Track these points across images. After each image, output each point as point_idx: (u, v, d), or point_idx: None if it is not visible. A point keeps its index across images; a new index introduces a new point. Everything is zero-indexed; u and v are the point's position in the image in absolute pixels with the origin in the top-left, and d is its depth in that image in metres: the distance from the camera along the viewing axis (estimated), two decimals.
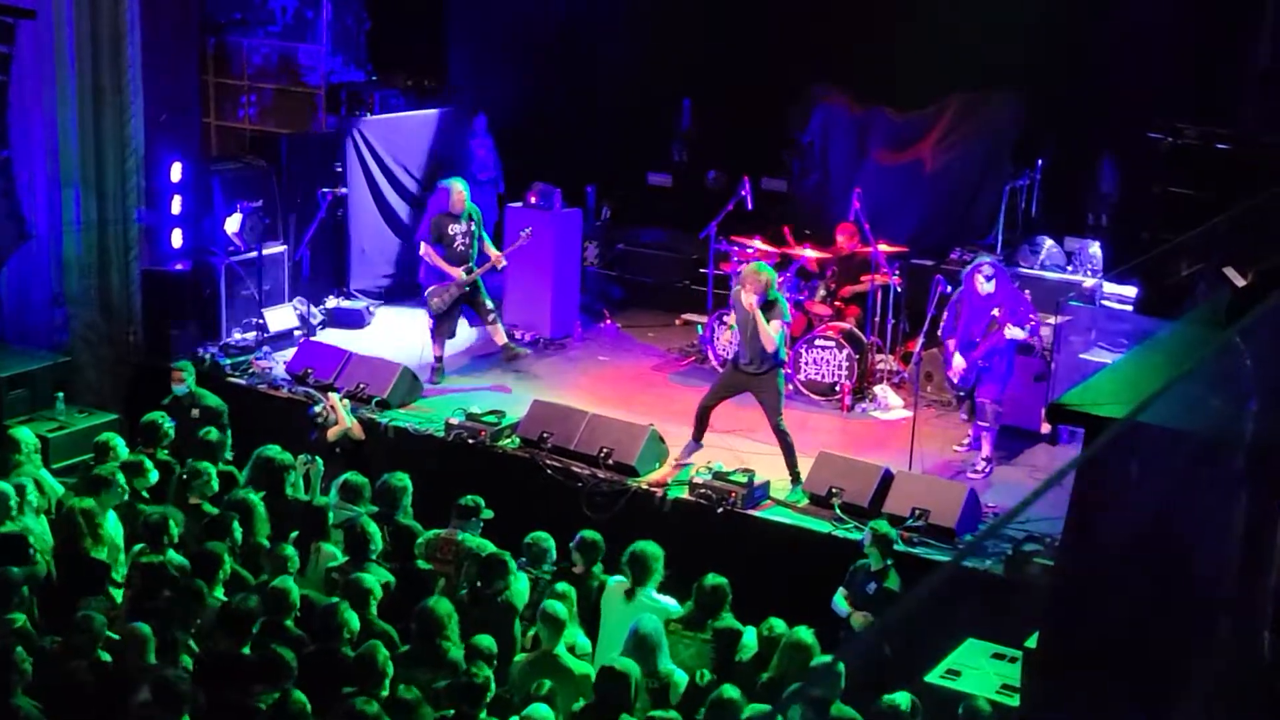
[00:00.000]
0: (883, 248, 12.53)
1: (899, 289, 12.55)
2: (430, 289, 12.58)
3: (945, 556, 9.40)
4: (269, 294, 13.52)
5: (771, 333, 10.14)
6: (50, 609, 8.35)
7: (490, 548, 8.76)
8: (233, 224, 13.27)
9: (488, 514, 9.18)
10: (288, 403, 11.97)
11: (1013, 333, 10.52)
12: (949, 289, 11.19)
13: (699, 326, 13.52)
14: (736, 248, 12.99)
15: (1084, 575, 5.43)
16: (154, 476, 9.65)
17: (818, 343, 12.27)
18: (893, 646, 8.26)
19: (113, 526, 9.06)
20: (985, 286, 10.56)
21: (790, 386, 12.22)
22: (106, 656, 7.49)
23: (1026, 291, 10.91)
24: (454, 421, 11.27)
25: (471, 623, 7.99)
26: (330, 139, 14.38)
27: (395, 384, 11.81)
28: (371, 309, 14.33)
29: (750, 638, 8.10)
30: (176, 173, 13.16)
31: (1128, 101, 12.48)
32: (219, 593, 8.10)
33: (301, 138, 14.32)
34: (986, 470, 10.77)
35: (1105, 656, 5.26)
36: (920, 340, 11.95)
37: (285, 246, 13.84)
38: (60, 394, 12.20)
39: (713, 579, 8.32)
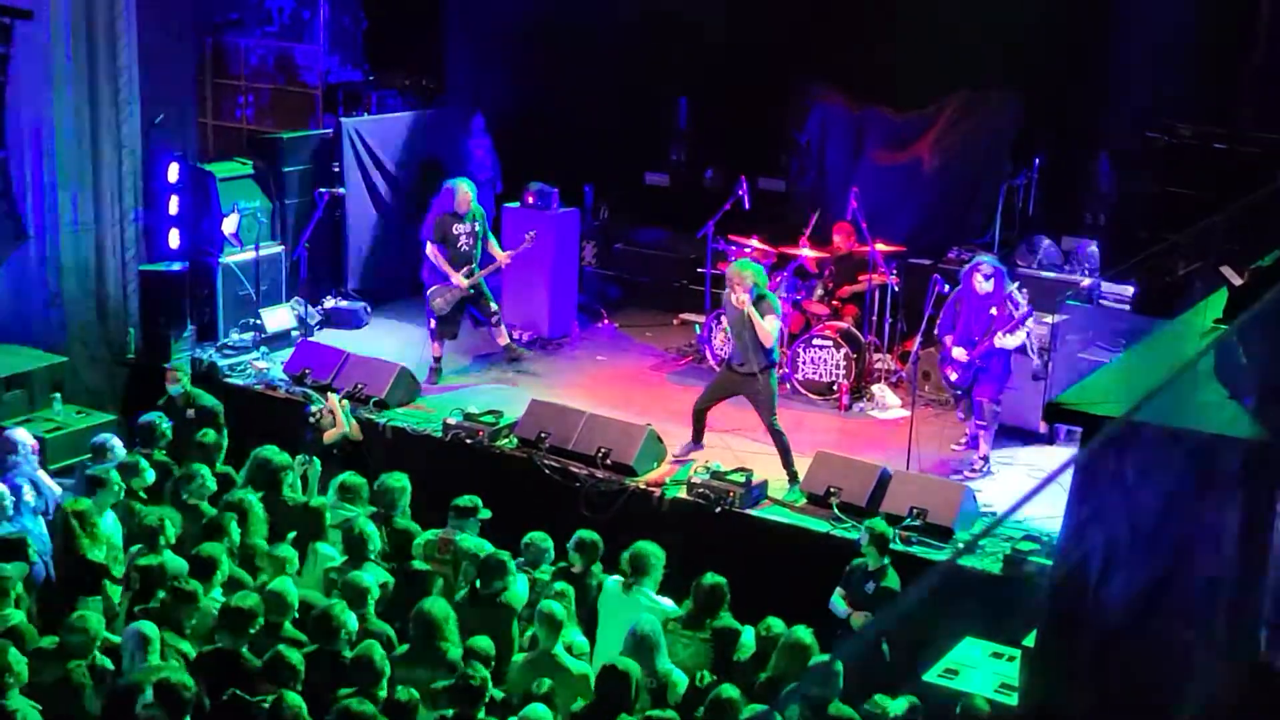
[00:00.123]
0: (880, 247, 12.53)
1: (896, 288, 12.56)
2: (433, 288, 12.57)
3: (943, 555, 9.39)
4: (266, 294, 13.53)
5: (768, 328, 10.15)
6: (49, 610, 8.34)
7: (488, 548, 8.76)
8: (230, 224, 13.27)
9: (485, 514, 9.18)
10: (285, 403, 11.96)
11: (1003, 341, 10.51)
12: (946, 288, 11.19)
13: (697, 326, 13.52)
14: (734, 247, 12.99)
15: (1082, 573, 5.44)
16: (150, 477, 9.64)
17: (815, 342, 12.27)
18: (891, 645, 8.29)
19: (111, 527, 9.06)
20: (984, 286, 10.56)
21: (788, 386, 12.24)
22: (106, 661, 7.49)
23: (1024, 291, 10.90)
24: (452, 422, 11.26)
25: (470, 623, 7.99)
26: (328, 139, 14.38)
27: (393, 384, 11.81)
28: (368, 309, 14.32)
29: (749, 637, 8.10)
30: (173, 173, 13.17)
31: (1125, 101, 12.49)
32: (217, 594, 8.10)
33: (299, 138, 14.31)
34: (984, 469, 10.77)
35: (1103, 654, 5.26)
36: (918, 339, 11.95)
37: (282, 246, 13.85)
38: (57, 394, 12.21)
39: (711, 578, 8.32)
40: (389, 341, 13.59)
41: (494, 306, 12.72)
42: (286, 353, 12.84)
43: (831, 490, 10.02)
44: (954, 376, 10.82)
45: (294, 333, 13.40)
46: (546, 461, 10.82)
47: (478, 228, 12.58)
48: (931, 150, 14.12)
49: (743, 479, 10.16)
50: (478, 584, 8.39)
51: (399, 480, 9.44)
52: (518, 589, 8.43)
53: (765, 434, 10.57)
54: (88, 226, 12.84)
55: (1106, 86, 12.69)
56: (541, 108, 15.40)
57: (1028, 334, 10.67)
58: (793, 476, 10.38)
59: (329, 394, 11.27)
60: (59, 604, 8.37)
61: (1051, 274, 12.59)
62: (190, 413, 10.89)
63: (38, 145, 12.67)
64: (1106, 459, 5.33)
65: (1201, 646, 5.01)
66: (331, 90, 14.87)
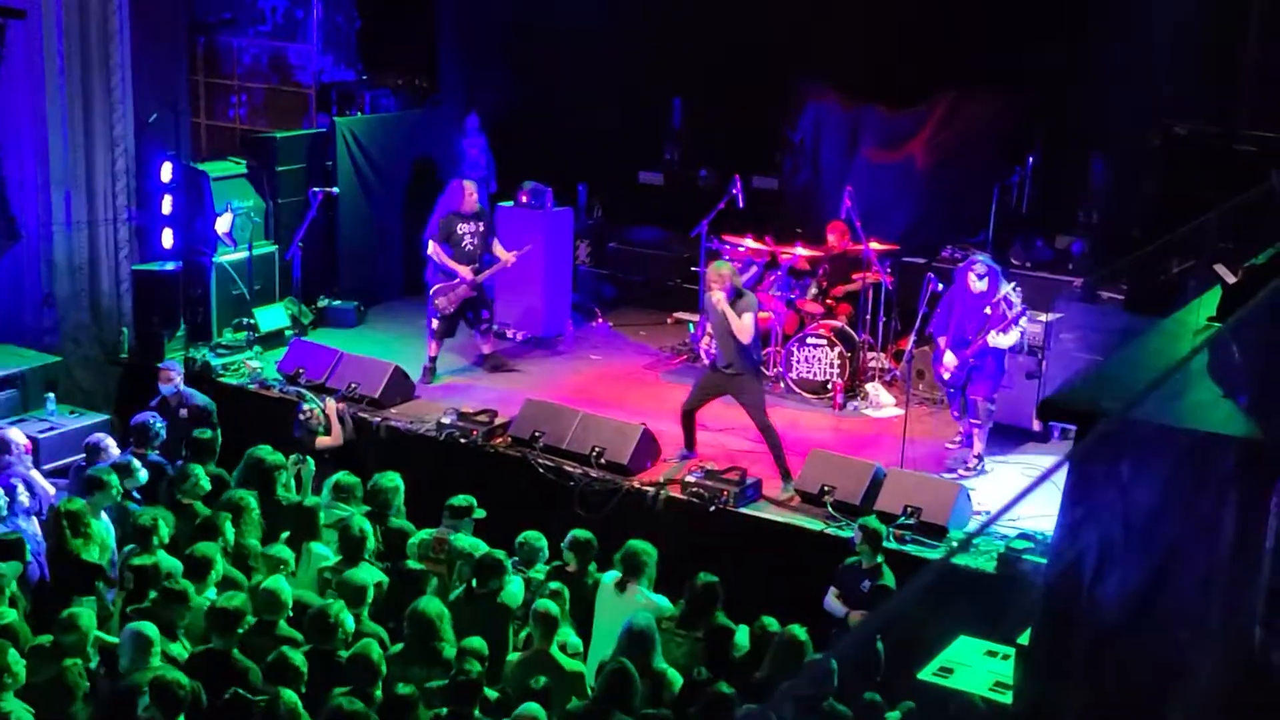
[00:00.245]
0: (874, 246, 12.54)
1: (890, 287, 12.56)
2: (436, 287, 12.57)
3: (937, 554, 9.40)
4: (260, 293, 13.51)
5: (745, 325, 10.14)
6: (42, 611, 8.32)
7: (483, 547, 8.76)
8: (223, 224, 13.26)
9: (480, 513, 9.18)
10: (279, 402, 11.95)
11: (997, 340, 10.51)
12: (940, 287, 11.20)
13: (690, 325, 13.52)
14: (728, 246, 12.99)
15: (1076, 572, 5.43)
16: (144, 477, 9.63)
17: (809, 341, 12.27)
18: (885, 643, 8.28)
19: (104, 528, 9.04)
20: (978, 285, 10.56)
21: (782, 385, 12.25)
22: (94, 663, 7.48)
23: (1019, 291, 10.90)
24: (446, 421, 11.26)
25: (465, 622, 7.98)
26: (321, 138, 14.36)
27: (387, 383, 11.80)
28: (361, 308, 14.31)
29: (743, 636, 8.11)
30: (167, 173, 13.15)
31: (1119, 99, 12.49)
32: (211, 594, 8.09)
33: (292, 137, 14.29)
34: (978, 468, 10.78)
35: (1098, 653, 5.26)
36: (912, 338, 11.95)
37: (276, 246, 13.83)
38: (50, 394, 12.19)
39: (704, 577, 8.33)
40: (382, 341, 13.57)
41: (486, 314, 12.75)
42: (280, 352, 12.83)
43: (825, 489, 10.02)
44: (947, 375, 10.82)
45: (287, 332, 13.39)
46: (540, 461, 10.81)
47: (482, 227, 12.61)
48: (925, 149, 14.12)
49: (736, 478, 10.17)
50: (474, 583, 8.39)
51: (392, 480, 9.43)
52: (513, 589, 8.43)
53: (759, 434, 10.57)
54: (81, 226, 12.83)
55: (1101, 85, 12.68)
56: (535, 107, 15.39)
57: (1021, 333, 10.67)
58: (785, 474, 10.38)
59: (327, 400, 11.22)
60: (53, 604, 8.35)
61: (1045, 272, 12.60)
62: (183, 412, 10.88)
63: (31, 145, 12.66)
64: (1100, 457, 5.32)
65: (1196, 645, 5.01)
66: (325, 90, 14.87)
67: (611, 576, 8.56)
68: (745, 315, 10.17)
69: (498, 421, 11.24)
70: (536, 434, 10.97)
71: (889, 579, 8.72)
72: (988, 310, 10.51)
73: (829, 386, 12.19)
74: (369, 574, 8.32)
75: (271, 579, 8.09)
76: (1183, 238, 9.92)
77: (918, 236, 13.61)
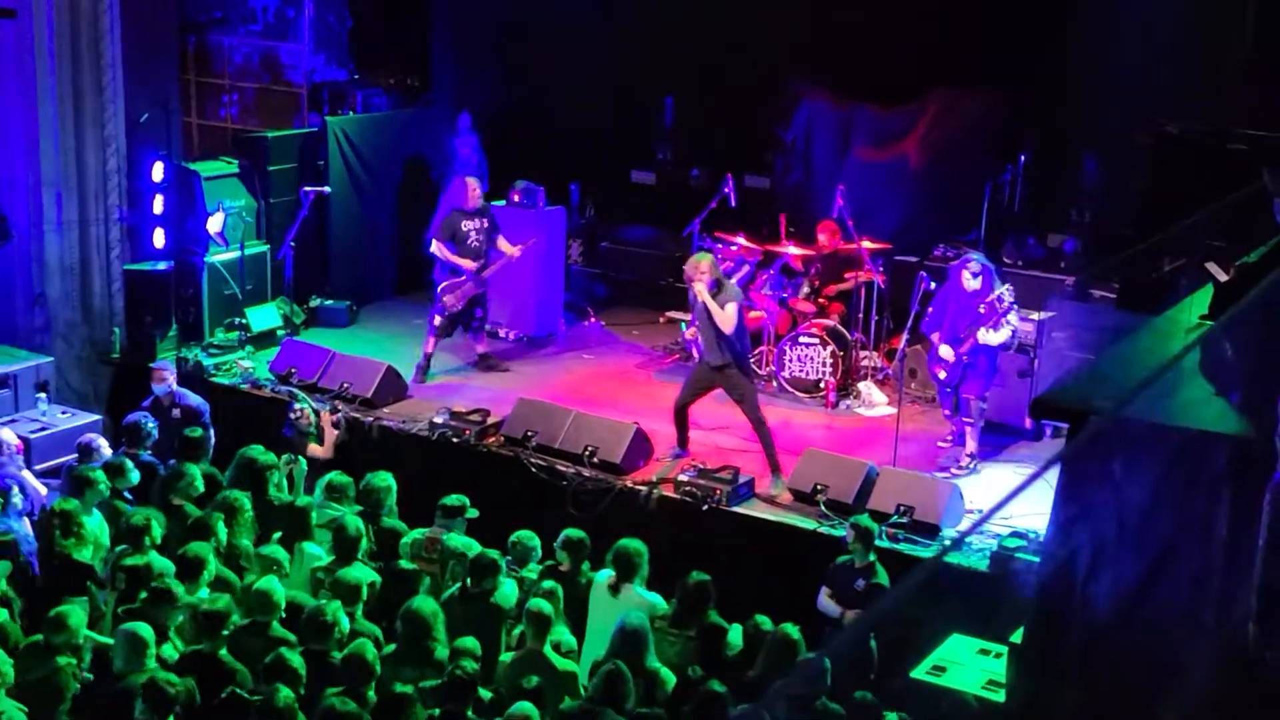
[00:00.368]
0: (866, 244, 12.54)
1: (883, 286, 12.56)
2: (444, 285, 12.57)
3: (930, 553, 9.41)
4: (252, 293, 13.49)
5: (729, 315, 10.13)
6: (34, 611, 8.31)
7: (476, 547, 8.75)
8: (215, 223, 13.24)
9: (473, 513, 9.17)
10: (271, 402, 11.93)
11: (987, 337, 10.52)
12: (932, 285, 11.20)
13: (683, 324, 13.51)
14: (720, 245, 12.99)
15: (1069, 570, 5.44)
16: (136, 478, 9.61)
17: (802, 340, 12.28)
18: (878, 642, 8.29)
19: (97, 528, 9.03)
20: (971, 283, 10.57)
21: (775, 384, 12.25)
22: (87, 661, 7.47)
23: (1009, 288, 10.91)
24: (438, 420, 11.25)
25: (459, 622, 7.98)
26: (313, 138, 14.34)
27: (379, 383, 11.79)
28: (353, 308, 14.30)
29: (736, 635, 8.11)
30: (158, 172, 13.13)
31: (1111, 98, 12.50)
32: (203, 594, 8.07)
33: (284, 137, 14.27)
34: (970, 466, 10.78)
35: (1091, 651, 5.27)
36: (904, 337, 11.97)
37: (268, 245, 13.81)
38: (42, 394, 12.17)
39: (696, 576, 8.32)
40: (375, 340, 13.56)
41: (480, 313, 12.76)
42: (272, 352, 12.82)
43: (818, 487, 10.03)
44: (943, 375, 10.82)
45: (280, 332, 13.37)
46: (533, 460, 10.81)
47: (487, 223, 12.63)
48: (917, 147, 14.13)
49: (729, 477, 10.17)
50: (468, 582, 8.38)
51: (384, 480, 9.42)
52: (507, 589, 8.42)
53: (752, 433, 10.57)
54: (72, 226, 12.80)
55: (1093, 83, 12.69)
56: (527, 106, 15.38)
57: (1013, 331, 10.67)
58: (775, 467, 10.38)
59: (322, 413, 11.16)
60: (45, 605, 8.33)
61: (1037, 271, 12.61)
62: (176, 413, 10.86)
63: (21, 145, 12.63)
64: (1093, 456, 5.33)
65: (1189, 642, 5.02)
66: (316, 89, 14.84)
67: (605, 575, 8.56)
68: (728, 305, 10.16)
69: (490, 421, 11.23)
70: (529, 433, 10.96)
71: (883, 577, 8.72)
72: (981, 309, 10.51)
73: (821, 385, 12.19)
74: (362, 573, 8.31)
75: (264, 579, 8.07)
76: (1174, 236, 9.94)
77: (910, 235, 13.61)
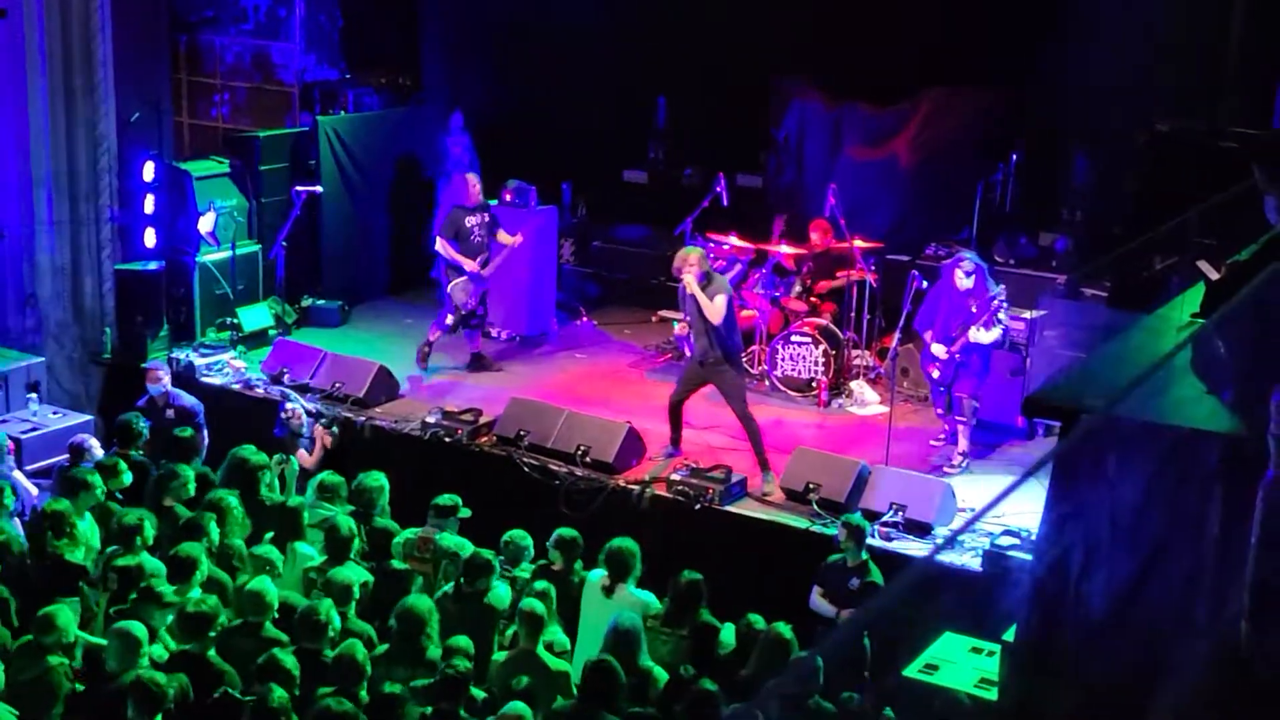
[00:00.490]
0: (858, 243, 12.54)
1: (875, 285, 12.57)
2: (455, 282, 12.55)
3: (922, 551, 9.41)
4: (243, 293, 13.47)
5: (718, 307, 10.13)
6: (26, 613, 8.28)
7: (469, 547, 8.74)
8: (206, 223, 13.21)
9: (465, 513, 9.16)
10: (262, 402, 11.92)
11: (978, 336, 10.53)
12: (924, 284, 11.21)
13: (675, 323, 13.49)
14: (712, 244, 12.99)
15: (1062, 568, 5.44)
16: (128, 478, 9.59)
17: (794, 339, 12.28)
18: (871, 641, 8.29)
19: (88, 528, 9.00)
20: (964, 282, 10.57)
21: (767, 382, 12.25)
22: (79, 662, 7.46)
23: (1002, 287, 10.92)
24: (431, 420, 11.24)
25: (452, 622, 7.97)
26: (304, 137, 14.32)
27: (371, 383, 11.78)
28: (345, 308, 14.28)
29: (728, 634, 8.10)
30: (149, 172, 13.10)
31: (1103, 97, 12.52)
32: (195, 594, 8.05)
33: (275, 136, 14.25)
34: (963, 465, 10.79)
35: (1084, 649, 5.27)
36: (896, 335, 11.96)
37: (259, 245, 13.80)
38: (33, 395, 12.14)
39: (688, 575, 8.32)
40: (367, 340, 13.54)
41: (483, 311, 12.77)
42: (264, 352, 12.80)
43: (811, 486, 10.03)
44: (936, 374, 10.83)
45: (271, 332, 13.35)
46: (526, 459, 10.80)
47: (487, 218, 12.65)
48: (909, 146, 14.13)
49: (722, 476, 10.17)
50: (462, 582, 8.37)
51: (377, 479, 9.41)
52: (500, 590, 8.42)
53: (742, 431, 10.56)
54: (63, 226, 12.79)
55: (1084, 83, 12.71)
56: (519, 105, 15.37)
57: (1004, 329, 10.68)
58: (763, 464, 10.38)
59: (315, 425, 11.12)
60: (36, 606, 8.31)
61: (1029, 269, 12.62)
62: (170, 413, 10.84)
63: (12, 144, 12.61)
64: (1085, 454, 5.33)
65: (1181, 640, 5.02)
66: (308, 88, 14.83)
67: (598, 575, 8.55)
68: (717, 298, 10.16)
69: (483, 420, 11.23)
70: (521, 433, 10.96)
71: (877, 576, 8.72)
72: (973, 308, 10.52)
73: (814, 384, 12.20)
74: (354, 573, 8.30)
75: (256, 580, 8.06)
76: (1166, 234, 9.95)
77: (902, 234, 13.62)
